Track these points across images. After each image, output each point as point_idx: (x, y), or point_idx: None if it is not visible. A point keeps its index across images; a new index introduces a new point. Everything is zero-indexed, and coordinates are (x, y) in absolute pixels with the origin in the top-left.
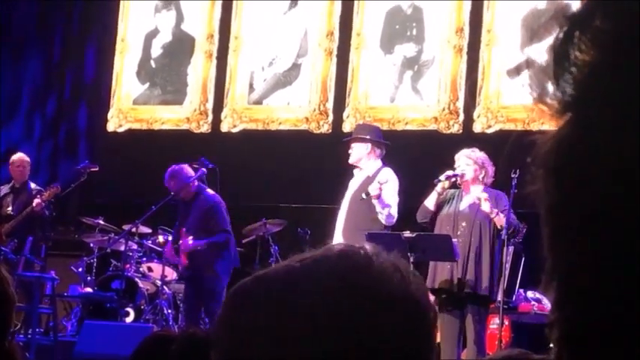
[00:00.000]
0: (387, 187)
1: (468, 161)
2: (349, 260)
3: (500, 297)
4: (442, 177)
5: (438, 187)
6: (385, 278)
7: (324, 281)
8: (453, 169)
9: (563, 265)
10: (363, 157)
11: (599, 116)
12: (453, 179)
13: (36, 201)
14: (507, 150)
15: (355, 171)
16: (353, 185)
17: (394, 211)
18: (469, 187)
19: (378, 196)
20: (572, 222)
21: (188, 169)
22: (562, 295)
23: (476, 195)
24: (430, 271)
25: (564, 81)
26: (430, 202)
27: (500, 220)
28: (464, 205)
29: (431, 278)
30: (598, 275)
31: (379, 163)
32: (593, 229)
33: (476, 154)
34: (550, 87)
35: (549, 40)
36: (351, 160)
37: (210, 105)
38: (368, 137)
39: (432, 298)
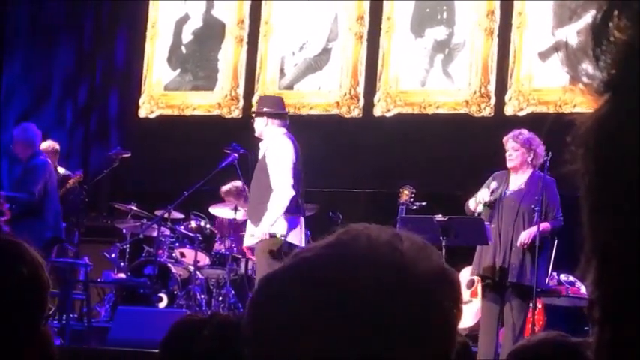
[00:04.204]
0: (270, 162)
1: (514, 146)
2: (375, 243)
3: (533, 280)
4: (481, 200)
5: (480, 208)
6: (414, 255)
7: (355, 268)
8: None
9: (604, 243)
10: (262, 130)
11: (637, 95)
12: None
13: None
14: (544, 133)
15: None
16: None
17: (282, 187)
18: (518, 171)
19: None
20: (613, 200)
21: (36, 130)
22: (602, 274)
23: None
24: (476, 258)
25: (603, 61)
26: (471, 205)
27: (547, 229)
28: (510, 191)
29: (476, 265)
30: (638, 253)
31: (280, 131)
32: (634, 208)
33: (523, 136)
34: (589, 67)
35: (587, 19)
36: (256, 135)
37: (241, 90)
38: (264, 110)
39: (478, 283)
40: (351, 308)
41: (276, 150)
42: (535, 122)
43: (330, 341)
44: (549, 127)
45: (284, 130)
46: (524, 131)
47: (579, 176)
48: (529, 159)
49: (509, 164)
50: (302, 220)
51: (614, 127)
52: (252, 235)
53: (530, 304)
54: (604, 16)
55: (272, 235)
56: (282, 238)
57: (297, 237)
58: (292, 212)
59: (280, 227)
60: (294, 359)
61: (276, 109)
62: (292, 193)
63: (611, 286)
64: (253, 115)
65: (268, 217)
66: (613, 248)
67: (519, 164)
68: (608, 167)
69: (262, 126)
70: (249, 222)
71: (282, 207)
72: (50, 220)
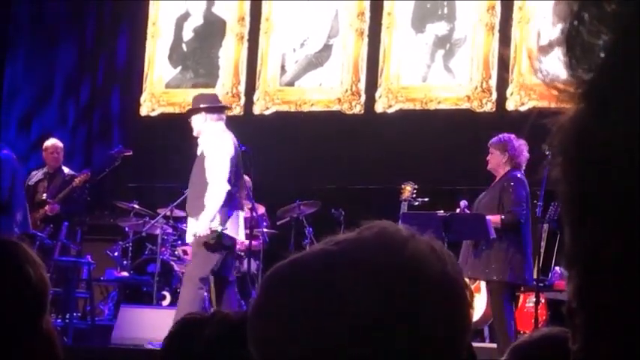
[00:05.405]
0: (207, 157)
1: (489, 149)
2: (385, 243)
3: (535, 275)
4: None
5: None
6: (422, 259)
7: (361, 265)
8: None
9: (587, 254)
10: (201, 127)
11: (616, 102)
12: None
13: (48, 207)
14: (527, 129)
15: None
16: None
17: (217, 182)
18: (495, 172)
19: None
20: (596, 210)
21: None
22: (586, 283)
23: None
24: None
25: (578, 65)
26: None
27: (495, 220)
28: (481, 195)
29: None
30: (622, 262)
31: (218, 127)
32: (619, 217)
33: (497, 139)
34: (564, 71)
35: (559, 25)
36: (194, 134)
37: (242, 87)
38: (202, 106)
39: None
40: (352, 309)
41: (214, 145)
42: (537, 117)
43: (328, 341)
44: (533, 122)
45: (222, 126)
46: (504, 134)
47: (558, 184)
48: (503, 160)
49: (488, 167)
50: (240, 213)
51: (594, 135)
52: (194, 235)
53: (533, 298)
54: (575, 20)
55: (213, 231)
56: (221, 231)
57: (235, 230)
58: (228, 206)
59: (217, 221)
60: (285, 351)
61: (211, 104)
62: (227, 187)
63: (601, 291)
64: (189, 113)
65: (206, 213)
66: (601, 252)
67: (495, 166)
68: (589, 177)
69: (201, 122)
70: (189, 218)
71: (219, 202)
72: (17, 217)
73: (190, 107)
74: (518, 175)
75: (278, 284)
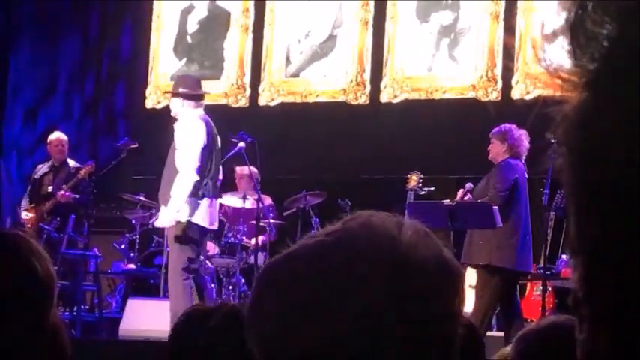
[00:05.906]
0: (177, 144)
1: (490, 139)
2: (375, 231)
3: (542, 263)
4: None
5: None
6: (414, 245)
7: (354, 258)
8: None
9: (591, 243)
10: (178, 111)
11: (617, 93)
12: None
13: (60, 193)
14: (531, 120)
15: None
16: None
17: (185, 171)
18: (495, 161)
19: None
20: (600, 199)
21: None
22: (591, 271)
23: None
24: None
25: (582, 54)
26: None
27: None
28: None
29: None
30: (623, 260)
31: (195, 113)
32: (621, 206)
33: (498, 129)
34: (567, 60)
35: (563, 15)
36: (172, 114)
37: (247, 79)
38: (180, 91)
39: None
40: (345, 298)
41: (185, 132)
42: (543, 106)
43: (329, 337)
44: (538, 111)
45: (200, 112)
46: (504, 125)
47: (562, 175)
48: (503, 150)
49: (489, 157)
50: (212, 202)
51: (596, 126)
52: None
53: (540, 285)
54: (579, 10)
55: (178, 222)
56: (187, 222)
57: (203, 218)
58: (195, 195)
59: (183, 212)
60: (287, 347)
61: (191, 90)
62: (195, 177)
63: (603, 287)
64: (169, 95)
65: (172, 203)
66: (602, 248)
67: (495, 155)
68: (591, 168)
69: (178, 106)
70: (161, 206)
71: (186, 192)
72: (7, 207)
73: (171, 89)
74: (508, 161)
75: (274, 279)
